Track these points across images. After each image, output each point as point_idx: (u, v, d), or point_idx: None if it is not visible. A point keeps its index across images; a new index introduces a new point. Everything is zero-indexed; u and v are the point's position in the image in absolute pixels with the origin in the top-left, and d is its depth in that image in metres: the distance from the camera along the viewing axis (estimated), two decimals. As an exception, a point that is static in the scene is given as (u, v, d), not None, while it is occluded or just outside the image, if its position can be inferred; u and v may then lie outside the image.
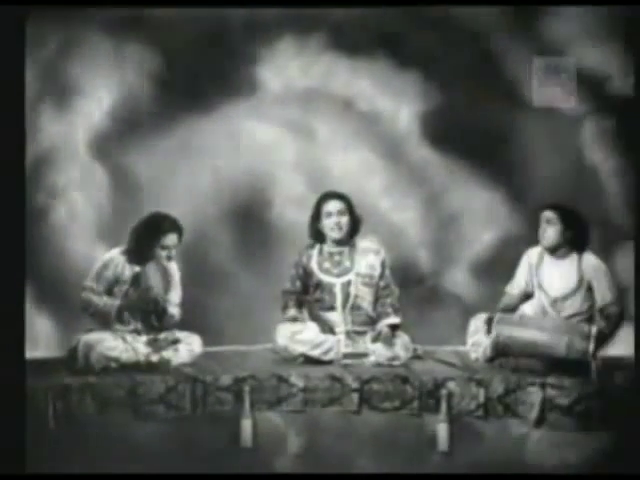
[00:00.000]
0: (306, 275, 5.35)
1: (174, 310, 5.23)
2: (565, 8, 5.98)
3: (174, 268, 5.28)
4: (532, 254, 5.27)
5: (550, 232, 5.16)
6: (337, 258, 5.34)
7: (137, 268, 5.15)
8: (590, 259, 5.15)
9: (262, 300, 5.92)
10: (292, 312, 5.26)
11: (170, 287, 5.25)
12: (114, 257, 5.17)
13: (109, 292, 5.13)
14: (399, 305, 5.32)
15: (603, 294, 5.11)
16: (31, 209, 5.59)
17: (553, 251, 5.19)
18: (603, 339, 5.00)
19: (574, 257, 5.17)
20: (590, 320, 5.11)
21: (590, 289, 5.13)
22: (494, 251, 6.23)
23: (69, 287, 5.36)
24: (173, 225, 5.16)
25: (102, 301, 5.08)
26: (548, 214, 5.17)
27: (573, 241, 5.15)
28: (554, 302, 5.15)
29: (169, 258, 5.17)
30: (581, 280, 5.13)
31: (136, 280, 5.15)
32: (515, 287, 5.30)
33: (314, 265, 5.34)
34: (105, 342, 4.98)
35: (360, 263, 5.32)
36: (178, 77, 6.13)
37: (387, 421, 4.87)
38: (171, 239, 5.15)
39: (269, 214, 6.29)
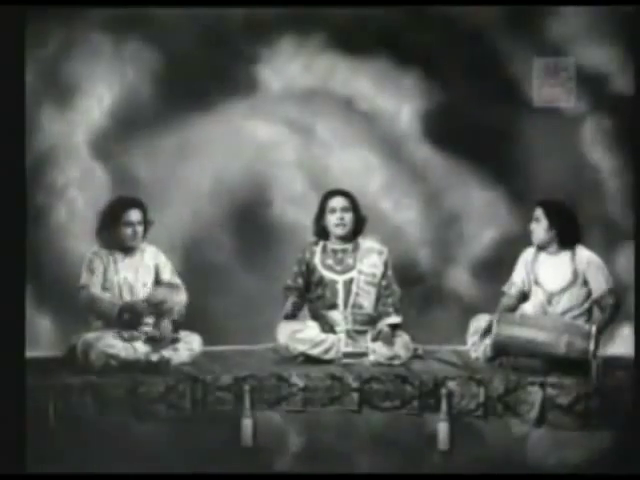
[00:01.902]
0: (309, 271, 5.34)
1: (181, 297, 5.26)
2: (565, 8, 5.99)
3: (162, 262, 5.29)
4: (527, 253, 5.28)
5: (537, 229, 5.18)
6: (340, 255, 5.34)
7: (119, 258, 5.17)
8: (583, 253, 5.15)
9: (262, 299, 5.93)
10: (289, 306, 5.26)
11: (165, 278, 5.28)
12: (96, 251, 5.21)
13: (104, 285, 5.16)
14: (400, 305, 5.32)
15: (598, 285, 5.11)
16: (31, 209, 5.60)
17: (544, 247, 5.20)
18: (601, 331, 5.00)
19: (568, 252, 5.17)
20: (588, 314, 5.12)
21: (585, 282, 5.14)
22: (494, 250, 6.23)
23: (69, 287, 5.35)
24: (134, 202, 5.21)
25: (106, 297, 5.11)
26: (536, 211, 5.19)
27: (561, 237, 5.16)
28: (551, 296, 5.15)
29: (135, 234, 5.18)
30: (575, 274, 5.13)
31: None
32: (512, 286, 5.30)
33: (317, 261, 5.34)
34: (105, 339, 4.98)
35: (363, 262, 5.31)
36: (178, 76, 6.13)
37: (387, 420, 4.87)
38: (134, 215, 5.17)
39: (269, 213, 6.29)
